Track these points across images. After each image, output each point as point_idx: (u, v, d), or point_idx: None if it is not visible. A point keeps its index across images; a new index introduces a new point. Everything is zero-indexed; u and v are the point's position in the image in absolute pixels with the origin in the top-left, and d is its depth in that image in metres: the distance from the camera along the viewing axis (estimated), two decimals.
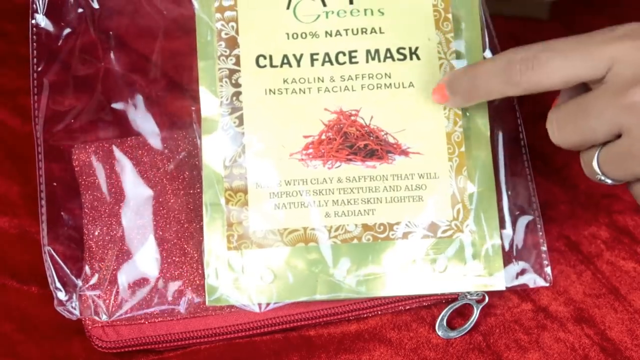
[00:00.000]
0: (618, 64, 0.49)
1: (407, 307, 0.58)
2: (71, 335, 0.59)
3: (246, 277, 0.56)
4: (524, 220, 0.59)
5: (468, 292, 0.57)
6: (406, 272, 0.57)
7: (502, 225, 0.58)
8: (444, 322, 0.58)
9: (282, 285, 0.56)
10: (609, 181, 0.51)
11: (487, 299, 0.58)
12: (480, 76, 0.53)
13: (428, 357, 0.58)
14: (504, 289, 0.57)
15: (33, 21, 0.60)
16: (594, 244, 0.61)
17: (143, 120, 0.61)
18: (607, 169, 0.51)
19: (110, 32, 0.62)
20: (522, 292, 0.60)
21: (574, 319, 0.59)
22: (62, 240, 0.59)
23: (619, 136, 0.50)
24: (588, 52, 0.50)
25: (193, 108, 0.59)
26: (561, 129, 0.51)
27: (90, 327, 0.58)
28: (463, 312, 0.59)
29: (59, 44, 0.61)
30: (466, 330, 0.58)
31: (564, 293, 0.60)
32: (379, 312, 0.59)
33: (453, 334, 0.58)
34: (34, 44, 0.60)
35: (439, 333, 0.58)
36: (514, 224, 0.59)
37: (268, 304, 0.56)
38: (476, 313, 0.58)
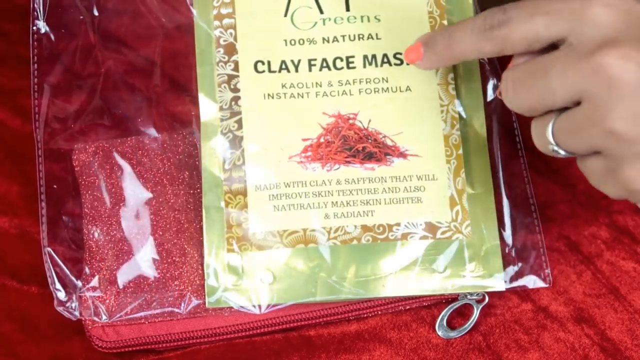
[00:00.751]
0: (586, 24, 0.47)
1: (407, 307, 0.59)
2: (71, 335, 0.59)
3: (246, 279, 0.56)
4: (522, 222, 0.59)
5: (468, 292, 0.57)
6: (405, 273, 0.57)
7: (500, 227, 0.58)
8: (444, 322, 0.58)
9: (282, 287, 0.56)
10: (562, 152, 0.49)
11: (487, 299, 0.58)
12: (456, 32, 0.52)
13: (428, 357, 0.58)
14: (503, 289, 0.57)
15: (34, 27, 0.61)
16: (594, 244, 0.61)
17: (143, 122, 0.61)
18: (562, 138, 0.48)
19: (110, 38, 0.62)
20: (522, 292, 0.60)
21: (574, 319, 0.59)
22: (62, 241, 0.59)
23: (577, 104, 0.47)
24: (556, 11, 0.47)
25: (193, 113, 0.60)
26: (517, 89, 0.49)
27: (90, 327, 0.58)
28: (463, 312, 0.59)
29: (59, 49, 0.61)
30: (466, 330, 0.58)
31: (564, 293, 0.60)
32: (379, 312, 0.59)
33: (453, 334, 0.58)
34: (35, 50, 0.61)
35: (439, 333, 0.58)
36: (512, 225, 0.59)
37: (268, 306, 0.56)
38: (476, 313, 0.58)
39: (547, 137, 0.49)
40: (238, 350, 0.58)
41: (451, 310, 0.58)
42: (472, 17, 0.52)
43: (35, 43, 0.61)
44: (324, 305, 0.58)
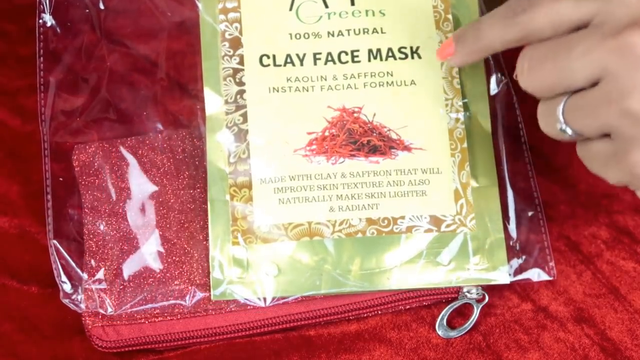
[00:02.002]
0: (614, 3, 0.46)
1: (407, 307, 0.59)
2: (71, 335, 0.59)
3: (251, 272, 0.57)
4: (526, 215, 0.59)
5: (468, 292, 0.57)
6: (410, 266, 0.57)
7: (505, 220, 0.58)
8: (444, 322, 0.58)
9: (287, 280, 0.56)
10: (569, 132, 0.48)
11: (487, 299, 0.58)
12: (483, 23, 0.51)
13: (428, 357, 0.58)
14: (507, 282, 0.57)
15: (40, 20, 0.61)
16: (594, 244, 0.61)
17: (147, 117, 0.61)
18: (574, 117, 0.47)
19: (115, 32, 0.62)
20: (522, 292, 0.60)
21: (574, 319, 0.59)
22: (67, 235, 0.59)
23: (594, 85, 0.46)
24: None
25: (198, 107, 0.60)
26: (534, 68, 0.48)
27: (90, 326, 0.58)
28: (463, 312, 0.59)
29: (65, 43, 0.61)
30: (466, 330, 0.58)
31: (564, 293, 0.60)
32: (379, 312, 0.59)
33: (453, 334, 0.58)
34: (41, 43, 0.61)
35: (439, 333, 0.58)
36: (517, 218, 0.59)
37: (273, 299, 0.57)
38: (476, 313, 0.58)
39: (557, 115, 0.48)
40: (238, 350, 0.58)
41: (451, 310, 0.58)
42: (499, 7, 0.51)
43: (41, 36, 0.61)
44: (324, 305, 0.58)
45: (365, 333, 0.58)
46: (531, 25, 0.48)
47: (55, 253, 0.58)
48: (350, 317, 0.59)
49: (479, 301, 0.58)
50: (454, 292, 0.58)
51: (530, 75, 0.48)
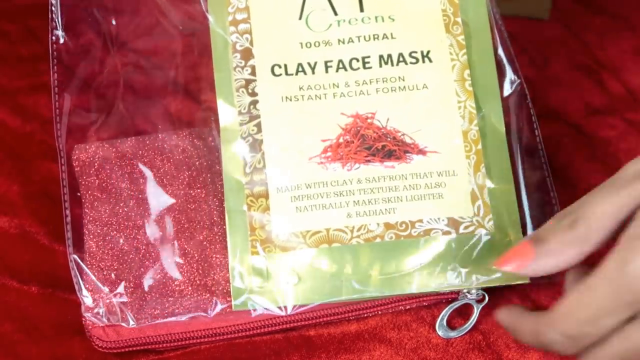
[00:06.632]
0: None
1: (407, 307, 0.59)
2: (71, 335, 0.59)
3: (271, 281, 0.56)
4: (544, 214, 0.59)
5: (468, 292, 0.57)
6: (430, 269, 0.57)
7: (522, 220, 0.58)
8: (444, 322, 0.58)
9: (307, 288, 0.56)
10: None
11: (487, 299, 0.58)
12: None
13: (428, 357, 0.58)
14: (527, 281, 0.57)
15: (53, 37, 0.61)
16: None
17: (144, 121, 0.61)
18: None
19: (127, 46, 0.63)
20: (522, 292, 0.60)
21: None
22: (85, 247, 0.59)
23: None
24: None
25: (212, 117, 0.60)
26: None
27: (90, 327, 0.58)
28: (463, 312, 0.59)
29: (77, 59, 0.61)
30: (466, 330, 0.58)
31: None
32: (379, 312, 0.59)
33: (453, 334, 0.58)
34: (54, 60, 0.61)
35: (439, 333, 0.58)
36: (534, 218, 0.58)
37: (294, 307, 0.56)
38: (476, 313, 0.58)
39: None
40: (238, 350, 0.58)
41: (451, 310, 0.58)
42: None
43: (55, 53, 0.61)
44: (324, 305, 0.58)
45: (365, 333, 0.58)
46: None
47: (75, 267, 0.58)
48: (350, 317, 0.59)
49: (479, 301, 0.58)
50: (454, 293, 0.58)
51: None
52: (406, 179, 0.57)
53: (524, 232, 0.58)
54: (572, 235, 0.46)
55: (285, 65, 0.59)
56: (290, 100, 0.58)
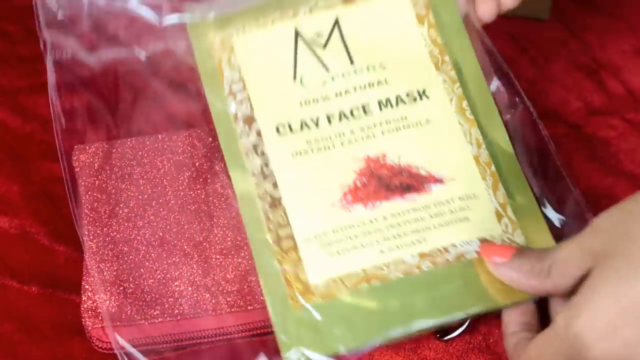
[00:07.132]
0: None
1: None
2: (71, 335, 0.59)
3: (318, 330, 0.56)
4: (572, 223, 0.58)
5: None
6: (472, 289, 0.56)
7: (551, 228, 0.57)
8: None
9: (355, 330, 0.55)
10: None
11: None
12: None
13: (428, 357, 0.58)
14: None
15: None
16: None
17: (145, 121, 0.61)
18: None
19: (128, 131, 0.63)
20: None
21: None
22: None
23: None
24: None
25: (230, 186, 0.60)
26: None
27: (90, 327, 0.58)
28: None
29: (82, 77, 0.62)
30: (465, 330, 0.58)
31: None
32: None
33: (453, 334, 0.58)
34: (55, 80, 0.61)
35: (439, 333, 0.58)
36: (562, 224, 0.58)
37: (349, 352, 0.55)
38: None
39: None
40: (238, 350, 0.58)
41: None
42: None
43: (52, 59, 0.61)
44: None
45: None
46: None
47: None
48: None
49: None
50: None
51: None
52: (430, 208, 0.57)
53: (555, 240, 0.57)
54: (540, 272, 0.51)
55: (289, 124, 0.59)
56: (301, 154, 0.58)
